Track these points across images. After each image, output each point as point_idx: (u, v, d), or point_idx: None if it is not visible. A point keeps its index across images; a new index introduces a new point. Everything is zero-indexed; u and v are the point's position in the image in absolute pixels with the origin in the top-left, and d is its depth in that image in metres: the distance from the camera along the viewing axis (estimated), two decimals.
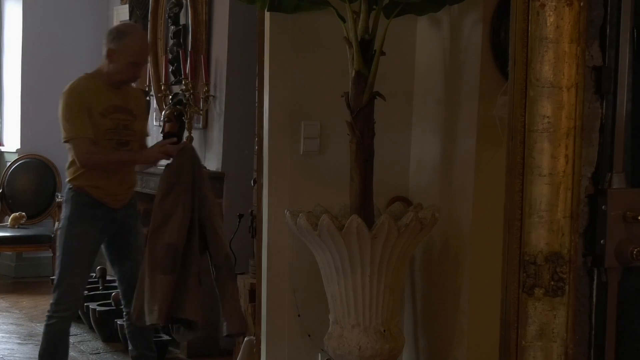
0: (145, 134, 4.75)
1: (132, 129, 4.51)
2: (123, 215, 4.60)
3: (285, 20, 3.77)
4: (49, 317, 4.49)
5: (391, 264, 3.43)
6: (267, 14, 3.80)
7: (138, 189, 6.35)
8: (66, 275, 4.46)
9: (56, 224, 4.60)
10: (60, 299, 4.46)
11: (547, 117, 1.93)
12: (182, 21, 6.29)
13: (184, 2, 6.20)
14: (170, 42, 6.40)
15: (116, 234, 4.60)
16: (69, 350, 5.73)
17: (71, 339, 6.03)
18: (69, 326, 4.58)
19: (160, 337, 5.70)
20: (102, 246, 4.63)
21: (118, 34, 4.44)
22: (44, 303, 6.41)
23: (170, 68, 6.34)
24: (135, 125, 4.55)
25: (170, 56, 6.35)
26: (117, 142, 4.44)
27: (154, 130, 6.58)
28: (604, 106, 2.29)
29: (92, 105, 4.38)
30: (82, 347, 5.79)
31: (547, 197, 1.97)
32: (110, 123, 4.42)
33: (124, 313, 4.74)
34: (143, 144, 4.71)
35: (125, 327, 4.76)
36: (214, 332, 5.74)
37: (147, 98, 5.08)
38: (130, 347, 4.77)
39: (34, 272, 8.14)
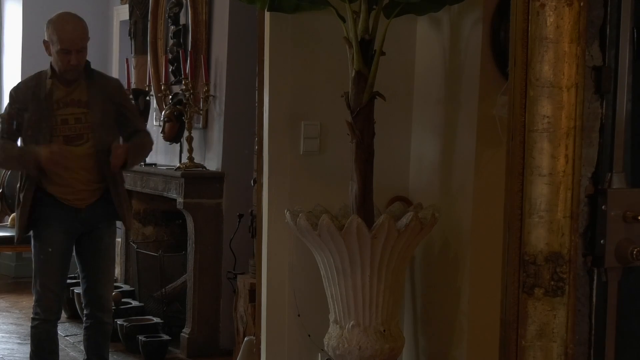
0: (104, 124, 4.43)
1: (87, 121, 4.36)
2: (89, 215, 4.44)
3: (285, 20, 3.77)
4: (32, 320, 4.48)
5: (391, 264, 3.43)
6: (267, 14, 3.80)
7: (137, 188, 6.37)
8: (38, 279, 4.43)
9: None
10: (37, 302, 4.45)
11: (547, 117, 1.93)
12: (182, 21, 6.29)
13: (184, 2, 6.20)
14: (170, 42, 6.39)
15: (83, 234, 4.49)
16: (69, 350, 5.75)
17: (71, 339, 6.05)
18: (54, 327, 4.54)
19: (160, 336, 5.71)
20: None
21: (47, 25, 4.37)
22: None
23: (170, 68, 6.33)
24: (91, 117, 4.37)
25: (170, 56, 6.35)
26: (64, 137, 4.33)
27: (154, 131, 6.58)
28: (604, 106, 2.29)
29: (29, 104, 4.34)
30: (82, 347, 5.77)
31: (547, 197, 1.97)
32: (57, 119, 4.32)
33: (84, 314, 4.65)
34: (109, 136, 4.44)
35: (83, 329, 4.69)
36: (213, 331, 5.78)
37: (127, 91, 5.00)
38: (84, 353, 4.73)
39: None
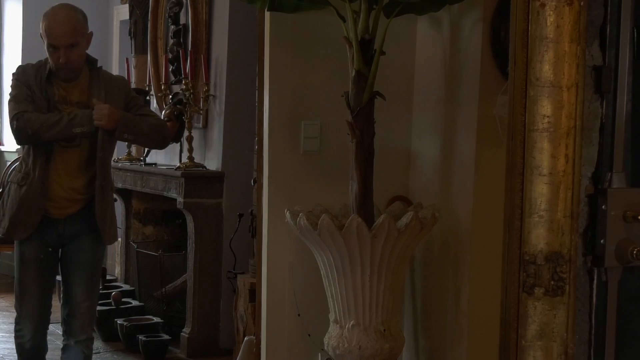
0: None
1: None
2: (68, 228, 4.04)
3: (285, 20, 3.77)
4: (16, 332, 4.13)
5: (391, 264, 3.43)
6: (267, 14, 3.80)
7: (137, 188, 6.37)
8: (19, 291, 4.09)
9: None
10: (19, 314, 4.10)
11: (547, 116, 1.93)
12: (182, 21, 6.29)
13: (184, 1, 6.20)
14: (171, 41, 6.40)
15: (63, 247, 4.08)
16: None
17: None
18: (41, 340, 4.13)
19: (160, 336, 5.71)
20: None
21: (41, 20, 3.95)
22: None
23: (170, 68, 6.33)
24: None
25: (170, 56, 6.35)
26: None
27: None
28: (604, 106, 2.28)
29: (31, 90, 3.96)
30: None
31: (547, 197, 1.97)
32: None
33: (63, 339, 4.19)
34: (105, 141, 4.03)
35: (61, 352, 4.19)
36: (213, 331, 5.78)
37: (129, 89, 4.33)
38: None
39: None
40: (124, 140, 4.25)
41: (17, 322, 4.12)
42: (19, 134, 3.99)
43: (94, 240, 4.09)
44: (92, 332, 4.16)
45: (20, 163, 4.08)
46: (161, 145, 4.47)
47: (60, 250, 4.11)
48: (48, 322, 4.18)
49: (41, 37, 3.95)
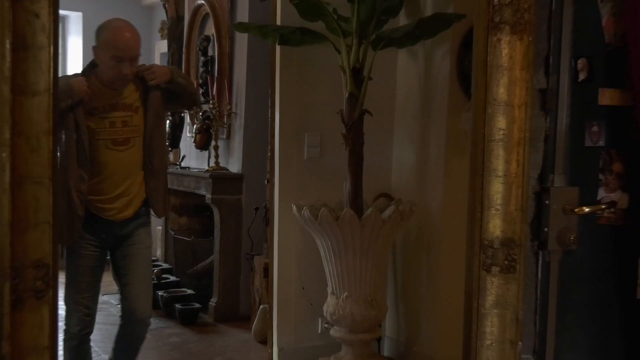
0: (153, 124, 3.34)
1: (132, 124, 3.28)
2: (125, 230, 3.35)
3: (292, 52, 3.77)
4: (65, 332, 3.36)
5: (377, 247, 3.42)
6: (277, 47, 3.79)
7: (174, 187, 6.36)
8: (69, 291, 3.33)
9: None
10: (68, 314, 3.34)
11: (502, 129, 1.92)
12: (209, 53, 6.28)
13: (212, 37, 6.20)
14: (200, 69, 6.39)
15: (116, 247, 3.38)
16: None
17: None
18: (87, 342, 3.38)
19: (193, 305, 5.70)
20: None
21: (98, 30, 3.24)
22: None
23: (200, 90, 6.33)
24: (137, 119, 3.29)
25: (200, 81, 6.35)
26: (111, 141, 3.24)
27: (188, 141, 6.58)
28: (548, 121, 2.28)
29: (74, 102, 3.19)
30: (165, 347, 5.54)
31: (502, 194, 1.96)
32: (101, 123, 3.22)
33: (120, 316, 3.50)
34: (152, 139, 3.34)
35: (117, 334, 3.51)
36: (235, 301, 5.77)
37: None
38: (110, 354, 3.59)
39: None
40: (178, 84, 3.34)
41: (66, 318, 3.36)
42: None
43: (146, 233, 3.44)
44: (149, 320, 3.48)
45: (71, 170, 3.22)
46: (196, 101, 3.66)
47: (112, 249, 3.42)
48: (94, 320, 3.41)
49: (94, 50, 3.25)
